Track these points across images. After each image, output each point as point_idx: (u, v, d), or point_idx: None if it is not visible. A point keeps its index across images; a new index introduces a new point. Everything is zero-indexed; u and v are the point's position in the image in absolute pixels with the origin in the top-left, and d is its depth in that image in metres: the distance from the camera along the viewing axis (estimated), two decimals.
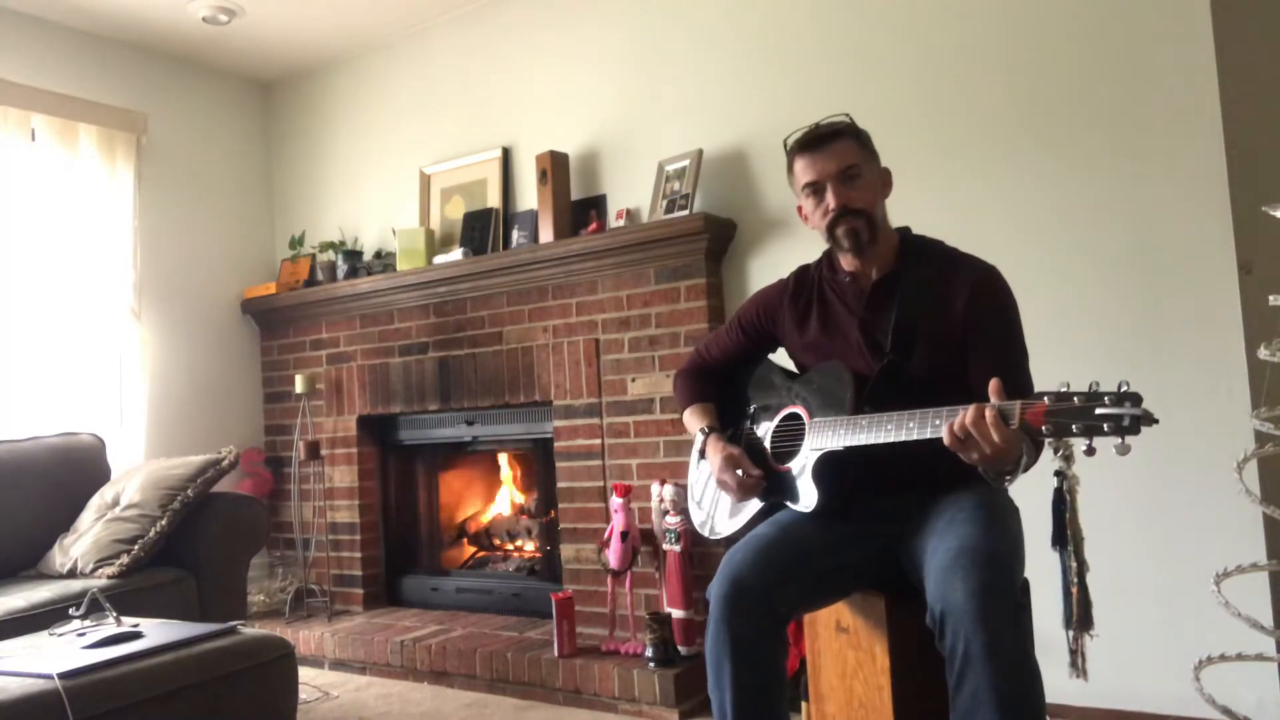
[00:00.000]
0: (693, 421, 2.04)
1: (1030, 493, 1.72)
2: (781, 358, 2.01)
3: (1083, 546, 1.53)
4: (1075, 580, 1.50)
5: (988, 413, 1.42)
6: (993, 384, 1.45)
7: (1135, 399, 1.30)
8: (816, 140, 1.79)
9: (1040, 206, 2.55)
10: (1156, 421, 1.29)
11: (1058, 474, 1.50)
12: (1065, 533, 1.51)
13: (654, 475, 3.04)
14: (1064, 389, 1.37)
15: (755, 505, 1.86)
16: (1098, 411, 1.31)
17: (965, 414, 1.44)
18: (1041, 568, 1.66)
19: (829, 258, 1.92)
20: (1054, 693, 1.48)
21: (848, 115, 1.84)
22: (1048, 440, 1.44)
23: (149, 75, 3.94)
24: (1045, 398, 1.37)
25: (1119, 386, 1.32)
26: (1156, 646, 2.35)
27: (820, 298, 1.90)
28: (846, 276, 1.86)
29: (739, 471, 1.83)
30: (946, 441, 1.47)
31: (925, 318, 1.75)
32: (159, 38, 3.86)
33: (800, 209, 1.88)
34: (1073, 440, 1.37)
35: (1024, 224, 2.56)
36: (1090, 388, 1.34)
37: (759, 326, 2.00)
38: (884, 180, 1.85)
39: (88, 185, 3.61)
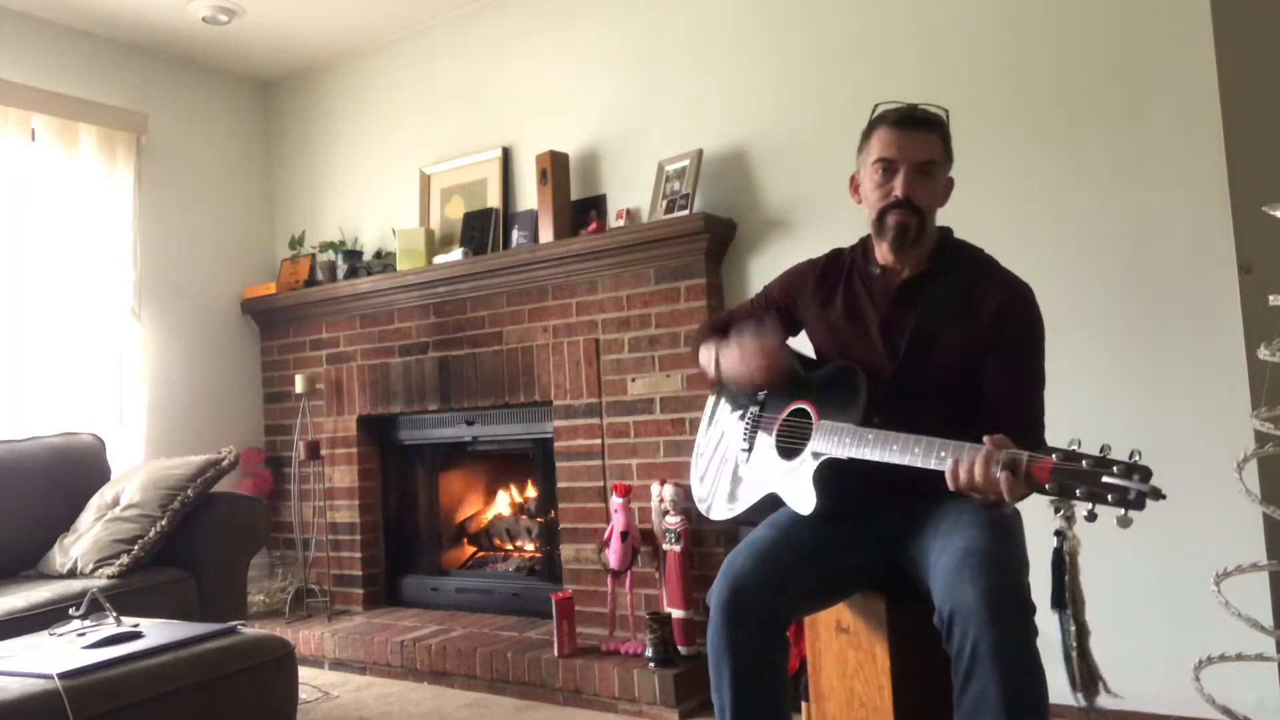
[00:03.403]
0: (707, 355, 1.96)
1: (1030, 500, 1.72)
2: (800, 342, 1.99)
3: (1083, 610, 1.48)
4: (1074, 644, 1.47)
5: (996, 468, 1.40)
6: (998, 438, 1.43)
7: (1145, 473, 1.27)
8: (911, 121, 1.74)
9: (1040, 206, 2.55)
10: (1163, 498, 1.25)
11: (1058, 534, 1.46)
12: (1064, 595, 1.47)
13: (654, 475, 3.04)
14: (1074, 447, 1.33)
15: (755, 493, 1.85)
16: (1104, 480, 1.28)
17: (975, 464, 1.42)
18: (1039, 569, 1.66)
19: (864, 245, 1.88)
20: (1055, 693, 1.48)
21: (945, 110, 1.79)
22: (1050, 500, 1.41)
23: (149, 75, 3.94)
24: (1054, 454, 1.34)
25: (1130, 456, 1.29)
26: (1156, 646, 2.34)
27: (848, 286, 1.87)
28: (877, 269, 1.82)
29: (757, 340, 1.79)
30: (951, 487, 1.46)
31: (947, 326, 1.72)
32: (159, 38, 3.86)
33: (854, 180, 1.84)
34: (1075, 503, 1.34)
35: (1023, 223, 2.56)
36: (1102, 451, 1.31)
37: (782, 305, 1.97)
38: (947, 189, 1.81)
39: (88, 185, 3.61)
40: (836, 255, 1.94)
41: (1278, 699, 2.21)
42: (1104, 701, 1.45)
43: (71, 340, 3.55)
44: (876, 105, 1.81)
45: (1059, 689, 1.51)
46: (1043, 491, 1.37)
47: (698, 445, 2.07)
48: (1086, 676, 1.46)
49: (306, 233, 4.17)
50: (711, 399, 2.09)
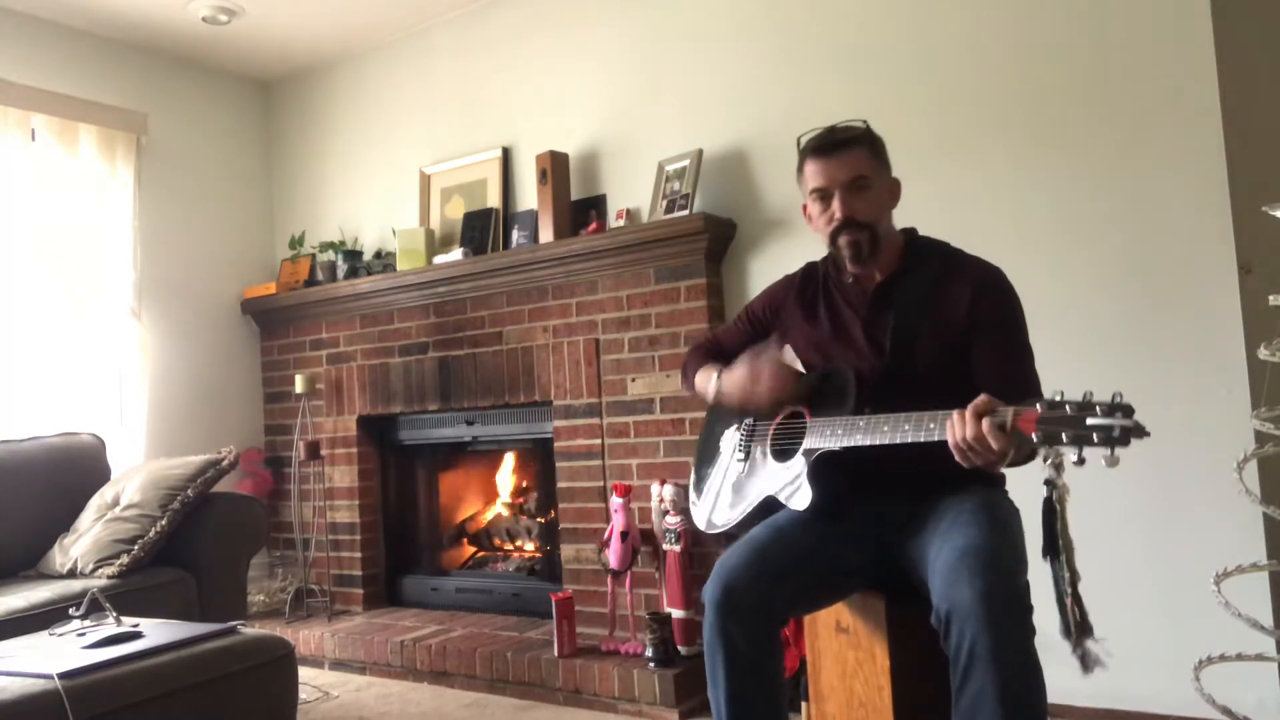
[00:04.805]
0: (705, 378, 1.98)
1: (1028, 493, 1.72)
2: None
3: (1074, 556, 1.50)
4: (1069, 590, 1.48)
5: (985, 423, 1.42)
6: (981, 398, 1.45)
7: (1127, 410, 1.29)
8: (829, 146, 1.79)
9: (1040, 207, 2.55)
10: (1147, 434, 1.27)
11: (1047, 483, 1.48)
12: (1056, 543, 1.49)
13: (654, 475, 3.04)
14: (1058, 397, 1.36)
15: (753, 499, 1.86)
16: (1089, 422, 1.30)
17: (966, 428, 1.44)
18: (1039, 568, 1.66)
19: (833, 258, 1.92)
20: (1055, 692, 1.48)
21: (864, 121, 1.83)
22: (1039, 449, 1.43)
23: (149, 75, 3.94)
24: (1038, 405, 1.37)
25: (1112, 397, 1.31)
26: (1156, 646, 2.34)
27: (827, 297, 1.91)
28: (850, 278, 1.87)
29: (764, 360, 1.82)
30: (957, 457, 1.48)
31: (926, 319, 1.75)
32: (159, 38, 3.86)
33: (806, 209, 1.88)
34: (1063, 449, 1.37)
35: (1024, 224, 2.56)
36: (1084, 397, 1.33)
37: (765, 322, 2.01)
38: (892, 191, 1.84)
39: (88, 185, 3.61)
40: (811, 268, 1.99)
41: (1278, 699, 2.21)
42: (1093, 648, 1.46)
43: (72, 340, 3.55)
44: (799, 137, 1.87)
45: (1057, 688, 1.51)
46: (1031, 444, 1.39)
47: (699, 474, 2.06)
48: (1080, 619, 1.47)
49: (306, 233, 4.17)
50: (704, 428, 2.09)
